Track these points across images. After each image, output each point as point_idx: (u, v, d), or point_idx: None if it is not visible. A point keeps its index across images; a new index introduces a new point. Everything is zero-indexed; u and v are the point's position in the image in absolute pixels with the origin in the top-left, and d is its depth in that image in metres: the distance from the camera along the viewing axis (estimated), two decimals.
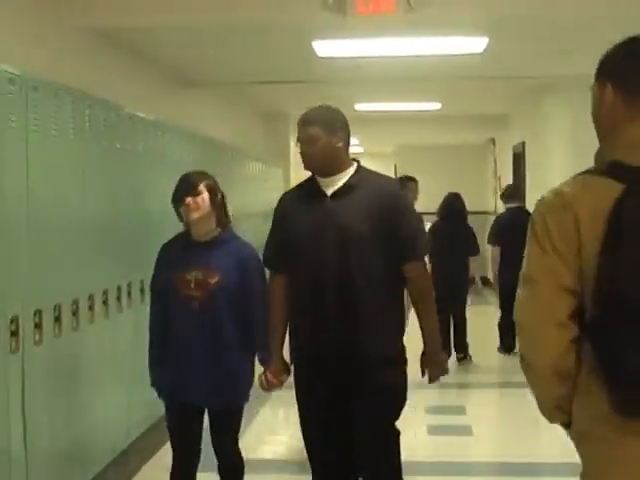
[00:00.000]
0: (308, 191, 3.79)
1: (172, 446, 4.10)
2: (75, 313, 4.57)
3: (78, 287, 4.65)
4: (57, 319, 4.37)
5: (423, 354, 3.85)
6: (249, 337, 3.98)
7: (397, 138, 16.96)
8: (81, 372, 3.92)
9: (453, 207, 8.99)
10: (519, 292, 2.04)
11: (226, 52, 7.92)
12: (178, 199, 4.00)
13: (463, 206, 9.11)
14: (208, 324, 3.93)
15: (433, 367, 3.87)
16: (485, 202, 15.93)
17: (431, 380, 3.90)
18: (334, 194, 3.70)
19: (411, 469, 5.36)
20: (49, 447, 4.32)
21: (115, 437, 5.14)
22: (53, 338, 4.32)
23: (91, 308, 4.83)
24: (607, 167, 2.01)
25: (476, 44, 7.40)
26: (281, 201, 3.92)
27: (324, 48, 7.60)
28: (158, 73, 8.23)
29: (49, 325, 4.27)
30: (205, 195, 3.98)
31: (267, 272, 3.97)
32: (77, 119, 4.77)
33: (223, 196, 4.12)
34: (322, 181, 3.74)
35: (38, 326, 4.16)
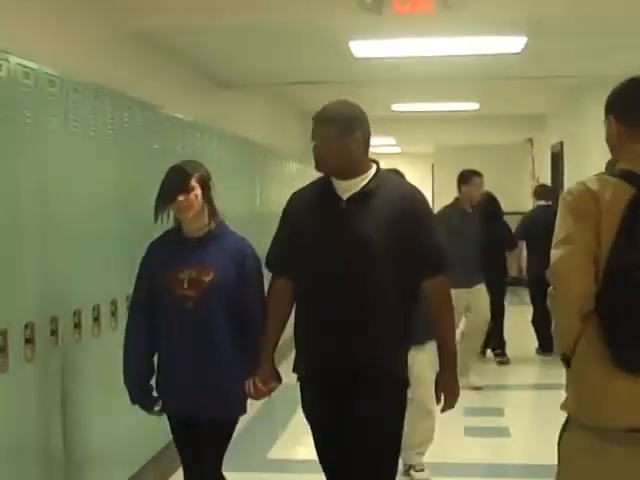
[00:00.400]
0: (321, 193, 3.48)
1: (183, 466, 3.87)
2: (113, 313, 4.60)
3: (117, 288, 4.69)
4: (96, 319, 4.41)
5: (439, 377, 3.55)
6: (245, 342, 3.70)
7: (434, 138, 16.90)
8: (119, 371, 3.94)
9: (487, 206, 9.07)
10: (555, 251, 2.53)
11: (263, 53, 7.95)
12: (169, 197, 3.69)
13: (495, 202, 9.21)
14: (202, 325, 3.67)
15: (449, 394, 3.52)
16: (523, 202, 15.81)
17: (445, 408, 3.55)
18: (349, 199, 3.39)
19: (447, 471, 5.36)
20: (88, 446, 4.35)
21: (153, 436, 5.17)
22: (92, 337, 4.36)
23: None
24: (619, 172, 2.57)
25: (514, 43, 7.35)
26: (291, 200, 3.61)
27: (361, 48, 7.60)
28: (196, 74, 8.28)
29: (88, 324, 4.32)
30: (198, 191, 3.70)
31: (266, 274, 3.77)
32: (116, 120, 4.81)
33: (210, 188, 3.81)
34: (338, 184, 3.43)
35: (77, 326, 4.21)
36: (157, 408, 3.81)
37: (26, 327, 3.68)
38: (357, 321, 3.34)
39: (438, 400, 3.53)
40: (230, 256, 3.72)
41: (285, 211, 3.58)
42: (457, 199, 7.86)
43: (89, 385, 4.37)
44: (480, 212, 8.15)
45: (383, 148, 18.38)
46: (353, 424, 3.43)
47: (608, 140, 2.72)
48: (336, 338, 3.37)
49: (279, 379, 3.68)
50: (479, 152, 16.80)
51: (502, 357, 9.02)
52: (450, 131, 15.23)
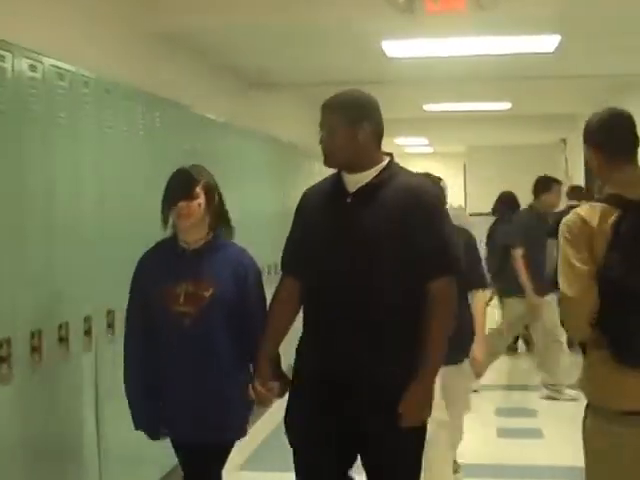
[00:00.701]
0: (331, 188, 3.28)
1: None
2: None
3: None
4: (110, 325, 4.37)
5: (411, 386, 3.08)
6: (246, 354, 3.44)
7: (467, 138, 16.83)
8: None
9: (504, 206, 9.11)
10: (560, 278, 2.88)
11: (294, 53, 7.96)
12: (171, 202, 3.46)
13: (514, 202, 9.20)
14: (200, 342, 3.40)
15: (413, 409, 3.08)
16: None
17: (408, 423, 3.08)
18: (355, 194, 3.18)
19: (480, 472, 5.33)
20: (121, 446, 4.38)
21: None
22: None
23: None
24: (606, 198, 2.94)
25: (547, 42, 7.30)
26: (303, 197, 3.41)
27: (393, 48, 7.58)
28: (227, 74, 8.30)
29: (121, 324, 4.34)
30: (202, 199, 3.45)
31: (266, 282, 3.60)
32: (147, 121, 4.85)
33: (221, 196, 3.59)
34: (347, 178, 3.22)
35: (110, 325, 4.24)
36: (162, 435, 3.58)
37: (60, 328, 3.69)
38: (359, 320, 3.11)
39: (406, 413, 3.08)
40: (230, 268, 3.47)
41: (297, 208, 3.39)
42: (531, 206, 7.82)
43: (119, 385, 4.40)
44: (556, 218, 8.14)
45: (415, 148, 18.34)
46: (363, 444, 3.17)
47: (590, 167, 3.10)
48: (337, 337, 3.15)
49: (281, 378, 3.39)
50: (511, 152, 16.73)
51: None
52: (482, 131, 15.15)
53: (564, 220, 2.93)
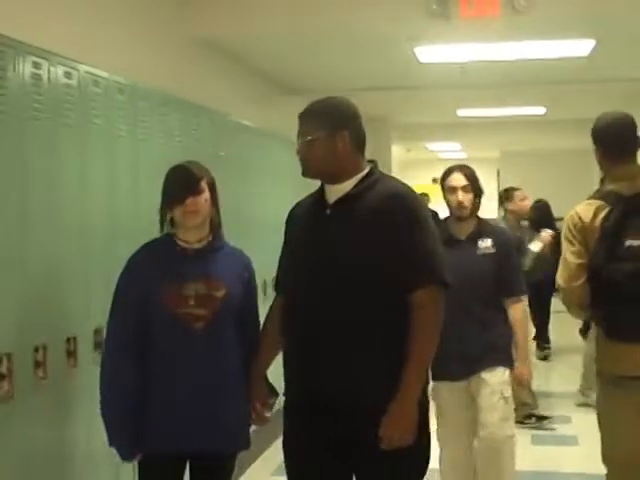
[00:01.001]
0: (314, 201, 3.13)
1: None
2: None
3: None
4: None
5: (392, 405, 2.88)
6: (246, 369, 3.28)
7: (501, 144, 16.75)
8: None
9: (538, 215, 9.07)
10: (559, 269, 3.46)
11: (328, 59, 7.97)
12: (177, 199, 3.21)
13: (545, 210, 9.16)
14: (214, 349, 3.18)
15: (391, 430, 2.86)
16: None
17: (384, 443, 2.87)
18: (334, 206, 3.02)
19: (514, 479, 5.29)
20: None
21: None
22: None
23: None
24: (601, 194, 3.47)
25: (582, 46, 7.26)
26: (289, 212, 3.26)
27: (426, 54, 7.57)
28: (261, 80, 8.33)
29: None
30: (207, 194, 3.26)
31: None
32: (183, 127, 4.87)
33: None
34: (328, 189, 3.08)
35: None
36: (137, 458, 3.24)
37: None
38: (328, 342, 2.92)
39: (385, 435, 2.87)
40: (236, 269, 3.32)
41: (285, 224, 3.24)
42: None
43: None
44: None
45: (448, 154, 18.28)
46: (355, 466, 3.00)
47: (598, 163, 3.60)
48: (306, 360, 2.99)
49: (272, 394, 3.31)
50: (546, 157, 16.62)
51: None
52: (516, 136, 15.07)
53: (565, 217, 3.45)
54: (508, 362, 4.34)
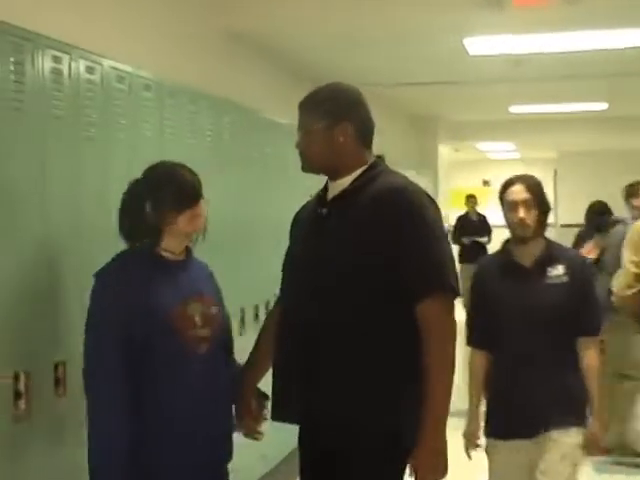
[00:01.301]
0: (316, 199, 3.10)
1: None
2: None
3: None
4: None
5: (416, 442, 2.78)
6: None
7: (558, 143, 16.65)
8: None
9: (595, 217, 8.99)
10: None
11: (368, 52, 7.97)
12: (191, 202, 3.07)
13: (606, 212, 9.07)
14: (213, 372, 3.06)
15: (425, 468, 2.78)
16: None
17: None
18: (330, 204, 2.98)
19: None
20: None
21: (253, 463, 5.21)
22: None
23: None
24: None
25: None
26: (295, 215, 3.24)
27: (476, 45, 7.55)
28: (295, 77, 8.35)
29: None
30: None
31: None
32: (214, 126, 4.89)
33: None
34: (330, 185, 3.04)
35: None
36: None
37: None
38: (313, 356, 2.86)
39: (412, 474, 2.82)
40: (211, 281, 3.24)
41: (290, 227, 3.22)
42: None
43: None
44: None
45: (500, 154, 18.19)
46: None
47: None
48: (292, 381, 2.93)
49: (264, 403, 3.22)
50: (608, 157, 16.47)
51: None
52: (575, 134, 14.98)
53: (634, 226, 3.96)
54: (583, 419, 3.84)
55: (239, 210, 5.25)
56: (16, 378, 3.11)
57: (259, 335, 3.26)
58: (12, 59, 3.13)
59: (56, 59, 3.40)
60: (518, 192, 3.92)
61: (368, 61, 8.40)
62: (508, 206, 3.93)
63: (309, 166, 3.06)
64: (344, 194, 2.96)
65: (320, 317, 2.85)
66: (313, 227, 3.01)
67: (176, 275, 3.06)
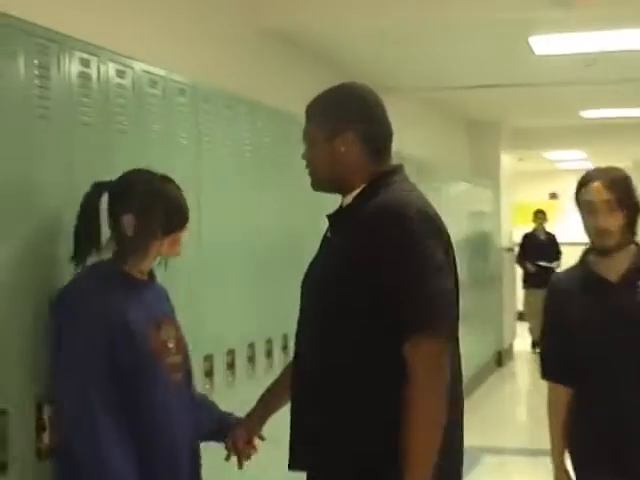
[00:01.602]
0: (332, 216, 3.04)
1: None
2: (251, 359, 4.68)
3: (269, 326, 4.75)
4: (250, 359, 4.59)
5: None
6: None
7: (634, 151, 16.52)
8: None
9: None
10: None
11: (423, 53, 7.98)
12: (184, 223, 3.15)
13: None
14: (187, 401, 3.08)
15: None
16: None
17: None
18: (331, 224, 2.94)
19: None
20: None
21: None
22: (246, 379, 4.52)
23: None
24: None
25: None
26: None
27: (543, 44, 7.53)
28: (343, 79, 8.36)
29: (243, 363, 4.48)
30: None
31: None
32: (254, 133, 4.90)
33: None
34: (342, 202, 2.96)
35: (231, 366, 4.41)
36: None
37: None
38: (299, 400, 2.85)
39: None
40: (170, 303, 3.24)
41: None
42: None
43: None
44: None
45: (569, 163, 18.05)
46: None
47: None
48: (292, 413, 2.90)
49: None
50: None
51: None
52: None
53: None
54: None
55: (284, 225, 5.25)
56: None
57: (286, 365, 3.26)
58: (36, 62, 3.14)
59: (84, 62, 3.42)
60: (597, 191, 3.46)
61: (422, 62, 8.41)
62: (584, 208, 3.52)
63: (315, 181, 2.96)
64: (342, 214, 2.90)
65: (305, 350, 2.87)
66: (321, 249, 2.97)
67: (146, 295, 3.05)
